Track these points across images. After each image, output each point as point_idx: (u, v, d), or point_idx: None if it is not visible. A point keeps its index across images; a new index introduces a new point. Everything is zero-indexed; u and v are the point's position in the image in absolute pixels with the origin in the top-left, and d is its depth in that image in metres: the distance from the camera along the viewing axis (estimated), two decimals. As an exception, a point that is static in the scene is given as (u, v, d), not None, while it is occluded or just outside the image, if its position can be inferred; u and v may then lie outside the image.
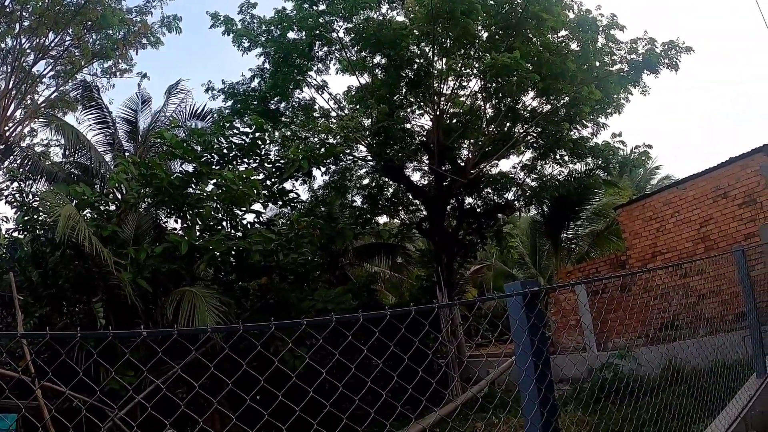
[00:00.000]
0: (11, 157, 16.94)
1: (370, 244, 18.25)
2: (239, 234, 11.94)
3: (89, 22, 17.22)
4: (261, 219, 12.82)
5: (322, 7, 14.53)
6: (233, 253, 11.69)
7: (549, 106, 15.05)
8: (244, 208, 11.91)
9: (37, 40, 17.74)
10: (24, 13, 17.38)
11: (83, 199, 11.87)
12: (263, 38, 14.70)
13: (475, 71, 14.87)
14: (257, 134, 12.22)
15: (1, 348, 11.67)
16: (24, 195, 12.76)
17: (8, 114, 17.09)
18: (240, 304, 12.22)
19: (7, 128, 17.07)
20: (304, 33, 14.70)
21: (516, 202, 17.66)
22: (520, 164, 17.36)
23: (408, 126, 15.57)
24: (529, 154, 17.13)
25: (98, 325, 13.29)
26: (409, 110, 15.92)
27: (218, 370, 3.01)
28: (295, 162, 11.88)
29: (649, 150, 15.62)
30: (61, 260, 12.17)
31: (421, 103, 15.85)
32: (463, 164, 16.02)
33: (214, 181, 11.73)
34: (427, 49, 14.89)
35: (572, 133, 15.35)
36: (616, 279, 9.84)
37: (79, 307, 13.16)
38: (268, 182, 12.44)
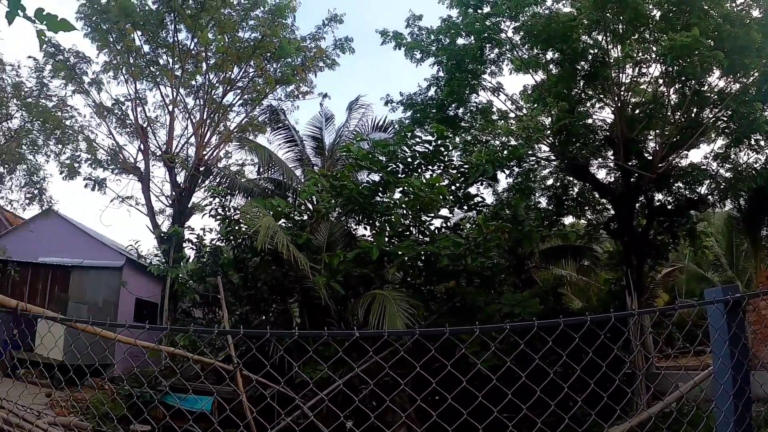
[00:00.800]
0: (210, 177, 19.02)
1: (556, 246, 17.56)
2: (427, 239, 12.07)
3: (269, 54, 18.87)
4: (448, 224, 12.89)
5: (486, 9, 14.35)
6: (422, 257, 11.81)
7: (737, 85, 13.38)
8: (432, 214, 12.02)
9: (224, 75, 19.86)
10: (209, 53, 19.57)
11: (278, 211, 12.80)
12: (434, 48, 14.85)
13: (653, 55, 13.74)
14: (439, 141, 12.33)
15: (219, 341, 12.93)
16: (225, 209, 14.11)
17: (205, 140, 19.27)
18: (428, 307, 12.40)
19: (205, 153, 19.25)
20: (473, 38, 14.59)
21: (710, 197, 15.92)
22: (712, 153, 15.65)
23: (589, 121, 14.75)
24: (720, 142, 15.39)
25: (294, 324, 14.28)
26: (588, 104, 15.10)
27: (407, 369, 3.06)
28: (479, 166, 11.79)
29: None
30: (260, 265, 13.25)
31: (601, 96, 14.96)
32: (650, 158, 14.79)
33: (401, 189, 12.01)
34: (599, 38, 14.06)
35: (767, 113, 13.50)
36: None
37: (274, 307, 14.19)
38: (453, 187, 12.46)
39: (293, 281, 12.96)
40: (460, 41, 14.80)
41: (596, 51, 14.19)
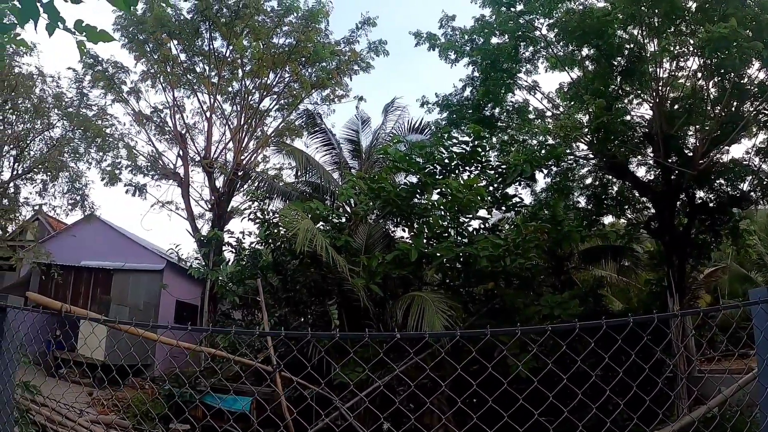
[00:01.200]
0: (249, 181, 19.37)
1: (596, 246, 17.26)
2: (465, 240, 12.07)
3: (303, 59, 19.15)
4: (486, 225, 12.86)
5: (520, 7, 14.29)
6: (460, 259, 11.81)
7: (778, 77, 13.06)
8: (470, 215, 12.02)
9: (260, 81, 20.21)
10: (244, 60, 19.92)
11: (317, 214, 12.94)
12: (468, 48, 14.84)
13: (690, 48, 13.48)
14: (476, 142, 12.32)
15: (254, 341, 13.13)
16: (264, 213, 14.33)
17: (243, 145, 19.65)
18: (466, 309, 12.39)
19: (243, 157, 19.62)
20: (507, 36, 14.57)
21: (752, 193, 15.47)
22: (754, 148, 15.22)
23: (627, 118, 14.52)
24: (762, 136, 14.96)
25: (332, 326, 14.42)
26: (626, 101, 14.87)
27: (444, 371, 3.10)
28: (517, 166, 11.76)
29: None
30: (299, 268, 13.43)
31: (638, 92, 14.72)
32: (690, 154, 14.49)
33: (439, 190, 12.04)
34: (635, 33, 13.85)
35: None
36: None
37: (313, 309, 14.35)
38: (491, 188, 12.44)
39: (332, 283, 13.10)
40: (495, 40, 14.78)
41: (632, 46, 13.97)
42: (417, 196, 12.39)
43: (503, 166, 12.52)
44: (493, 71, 14.30)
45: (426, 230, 12.21)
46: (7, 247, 17.94)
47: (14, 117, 18.37)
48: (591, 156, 14.99)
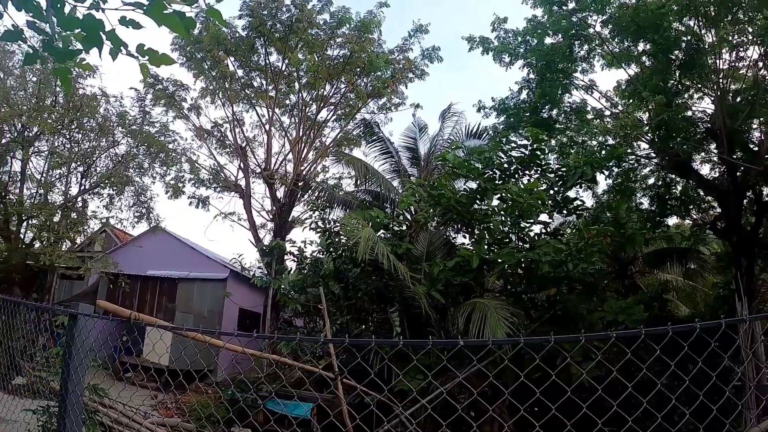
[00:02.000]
0: (309, 191, 19.85)
1: (661, 249, 16.76)
2: (527, 246, 12.03)
3: (358, 69, 19.46)
4: (548, 229, 12.78)
5: (572, 5, 14.13)
6: (522, 264, 11.78)
7: (841, 64, 12.48)
8: (531, 220, 11.97)
9: (316, 93, 20.67)
10: (300, 73, 20.41)
11: (377, 222, 13.15)
12: (522, 49, 14.78)
13: (750, 37, 13.05)
14: (534, 145, 12.27)
15: (315, 349, 13.46)
16: (324, 222, 14.67)
17: (302, 156, 20.15)
18: (528, 315, 12.30)
19: (303, 168, 20.12)
20: (560, 36, 14.44)
21: (823, 188, 14.79)
22: (822, 141, 14.55)
23: (689, 114, 14.15)
24: (831, 126, 14.33)
25: (394, 333, 14.57)
26: (686, 95, 14.49)
27: (506, 379, 3.10)
28: (577, 169, 11.63)
29: None
30: (360, 276, 13.64)
31: (699, 86, 14.31)
32: (756, 149, 14.00)
33: (499, 195, 12.05)
34: (692, 24, 13.47)
35: None
36: None
37: (373, 317, 14.54)
38: (552, 192, 12.36)
39: (393, 291, 13.26)
40: (548, 41, 14.66)
41: (689, 38, 13.58)
42: (477, 201, 12.40)
43: (563, 169, 12.39)
44: (548, 72, 14.20)
45: (487, 236, 12.22)
46: (77, 258, 18.89)
47: (80, 135, 19.33)
48: (653, 155, 14.66)
